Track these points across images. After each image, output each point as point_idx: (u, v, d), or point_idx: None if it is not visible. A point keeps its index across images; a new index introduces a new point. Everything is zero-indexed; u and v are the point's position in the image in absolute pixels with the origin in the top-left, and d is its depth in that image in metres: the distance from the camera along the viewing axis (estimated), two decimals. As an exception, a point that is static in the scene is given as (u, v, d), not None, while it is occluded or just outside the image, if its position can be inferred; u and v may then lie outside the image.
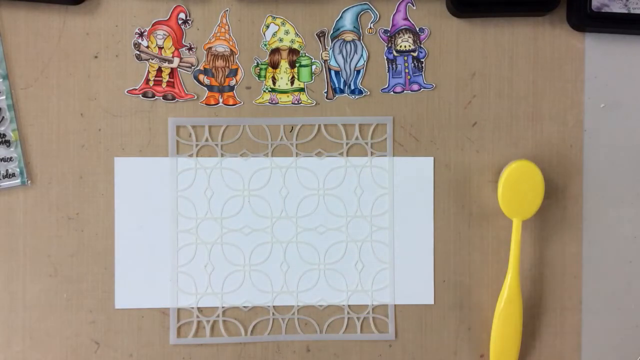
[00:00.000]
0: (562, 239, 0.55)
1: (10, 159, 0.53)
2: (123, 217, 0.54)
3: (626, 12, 0.53)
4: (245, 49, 0.54)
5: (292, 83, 0.54)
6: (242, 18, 0.54)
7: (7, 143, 0.53)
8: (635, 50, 0.55)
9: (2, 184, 0.53)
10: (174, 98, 0.54)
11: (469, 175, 0.54)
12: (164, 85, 0.54)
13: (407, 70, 0.54)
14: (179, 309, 0.54)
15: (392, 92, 0.54)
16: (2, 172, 0.52)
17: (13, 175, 0.53)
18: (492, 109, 0.55)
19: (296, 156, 0.54)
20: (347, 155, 0.54)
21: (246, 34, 0.54)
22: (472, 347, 0.55)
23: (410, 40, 0.54)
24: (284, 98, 0.54)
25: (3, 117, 0.52)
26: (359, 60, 0.54)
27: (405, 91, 0.54)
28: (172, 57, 0.54)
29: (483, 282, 0.54)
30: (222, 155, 0.54)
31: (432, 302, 0.55)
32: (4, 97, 0.53)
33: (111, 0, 0.53)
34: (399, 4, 0.54)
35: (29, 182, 0.53)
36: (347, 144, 0.54)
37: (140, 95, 0.54)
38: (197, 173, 0.54)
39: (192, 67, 0.54)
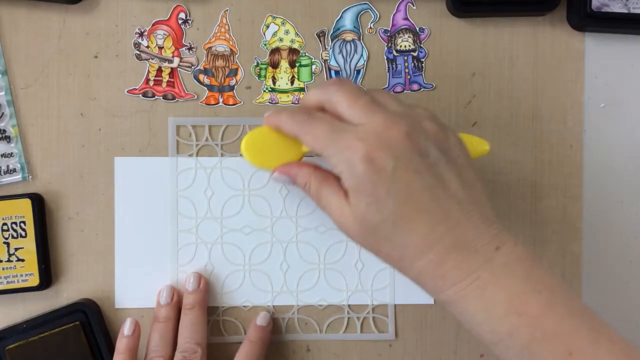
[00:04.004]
0: (562, 239, 0.55)
1: (11, 155, 0.53)
2: (123, 217, 0.54)
3: (626, 12, 0.53)
4: (245, 49, 0.54)
5: (292, 83, 0.54)
6: (242, 18, 0.54)
7: (8, 139, 0.53)
8: (635, 50, 0.55)
9: (3, 179, 0.53)
10: (174, 98, 0.54)
11: (469, 175, 0.54)
12: (164, 85, 0.54)
13: (407, 70, 0.54)
14: (178, 309, 0.54)
15: (392, 92, 0.54)
16: (3, 167, 0.52)
17: (14, 170, 0.53)
18: (492, 109, 0.55)
19: (296, 156, 0.54)
20: (347, 155, 0.54)
21: (246, 33, 0.54)
22: (472, 347, 0.55)
23: (410, 40, 0.54)
24: (284, 98, 0.54)
25: (3, 113, 0.52)
26: (359, 60, 0.54)
27: (405, 91, 0.54)
28: (172, 57, 0.54)
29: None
30: (222, 155, 0.54)
31: (432, 302, 0.54)
32: (3, 92, 0.53)
33: (111, 0, 0.53)
34: (399, 3, 0.54)
35: (30, 177, 0.53)
36: (347, 143, 0.54)
37: (140, 95, 0.54)
38: (197, 173, 0.54)
39: (192, 67, 0.54)
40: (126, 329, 0.50)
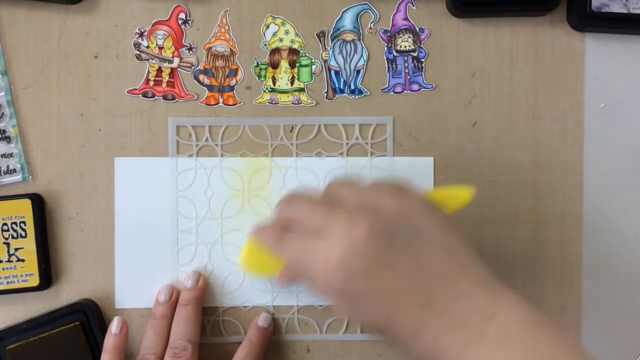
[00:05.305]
0: (562, 239, 0.55)
1: (11, 155, 0.53)
2: (123, 217, 0.54)
3: (626, 12, 0.53)
4: (245, 49, 0.54)
5: (292, 83, 0.54)
6: (242, 18, 0.54)
7: (8, 139, 0.53)
8: (635, 50, 0.55)
9: (3, 180, 0.53)
10: (174, 98, 0.54)
11: (469, 175, 0.54)
12: (164, 85, 0.54)
13: (407, 70, 0.54)
14: (178, 309, 0.54)
15: (392, 92, 0.54)
16: (3, 168, 0.52)
17: (14, 171, 0.53)
18: (492, 109, 0.55)
19: (296, 156, 0.54)
20: (347, 155, 0.54)
21: (246, 34, 0.54)
22: (472, 347, 0.55)
23: (410, 40, 0.54)
24: (284, 98, 0.54)
25: (3, 114, 0.53)
26: (359, 60, 0.54)
27: (405, 91, 0.54)
28: (172, 57, 0.54)
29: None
30: (222, 155, 0.54)
31: (432, 302, 0.54)
32: (3, 93, 0.53)
33: (111, 0, 0.53)
34: (399, 4, 0.54)
35: (30, 177, 0.53)
36: (347, 144, 0.54)
37: (140, 95, 0.54)
38: (197, 173, 0.54)
39: (192, 67, 0.54)
40: (113, 327, 0.50)
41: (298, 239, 0.42)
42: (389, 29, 0.54)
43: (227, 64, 0.54)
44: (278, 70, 0.54)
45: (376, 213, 0.40)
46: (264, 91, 0.54)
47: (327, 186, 0.45)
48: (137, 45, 0.54)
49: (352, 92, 0.54)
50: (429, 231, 0.40)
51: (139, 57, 0.54)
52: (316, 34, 0.54)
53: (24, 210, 0.52)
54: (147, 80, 0.54)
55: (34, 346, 0.51)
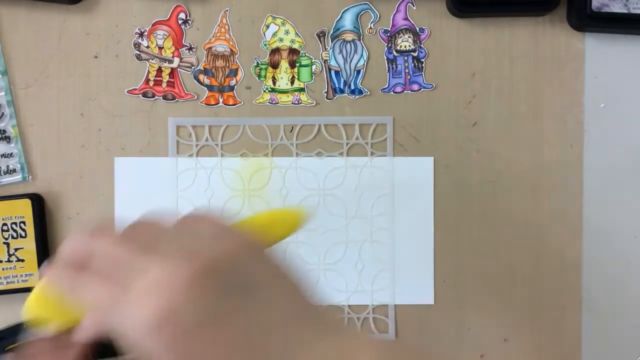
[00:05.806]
0: (562, 239, 0.55)
1: (11, 155, 0.53)
2: (123, 217, 0.53)
3: (626, 12, 0.53)
4: (245, 49, 0.54)
5: (292, 83, 0.54)
6: (242, 18, 0.54)
7: (8, 139, 0.53)
8: (635, 50, 0.55)
9: (3, 179, 0.53)
10: (174, 98, 0.54)
11: (469, 175, 0.54)
12: (164, 85, 0.54)
13: (407, 70, 0.54)
14: (178, 309, 0.54)
15: (392, 92, 0.54)
16: (3, 168, 0.52)
17: (14, 171, 0.53)
18: (492, 109, 0.55)
19: (296, 156, 0.54)
20: (347, 156, 0.54)
21: (246, 34, 0.54)
22: (471, 347, 0.55)
23: (410, 40, 0.54)
24: (284, 98, 0.54)
25: (3, 114, 0.53)
26: (359, 60, 0.54)
27: (405, 91, 0.54)
28: (172, 57, 0.54)
29: (483, 281, 0.54)
30: (222, 156, 0.54)
31: (432, 302, 0.54)
32: (3, 93, 0.53)
33: (111, 0, 0.53)
34: (399, 4, 0.54)
35: (29, 177, 0.53)
36: (347, 144, 0.54)
37: (141, 95, 0.54)
38: (197, 173, 0.54)
39: (192, 67, 0.54)
40: None
41: (99, 282, 0.34)
42: (389, 29, 0.54)
43: (227, 64, 0.54)
44: (278, 70, 0.54)
45: (201, 259, 0.33)
46: (264, 91, 0.54)
47: (131, 225, 0.37)
48: (137, 45, 0.54)
49: (352, 92, 0.54)
50: (264, 278, 0.34)
51: (139, 57, 0.54)
52: (316, 34, 0.54)
53: (24, 210, 0.52)
54: (147, 80, 0.54)
55: (34, 346, 0.51)
